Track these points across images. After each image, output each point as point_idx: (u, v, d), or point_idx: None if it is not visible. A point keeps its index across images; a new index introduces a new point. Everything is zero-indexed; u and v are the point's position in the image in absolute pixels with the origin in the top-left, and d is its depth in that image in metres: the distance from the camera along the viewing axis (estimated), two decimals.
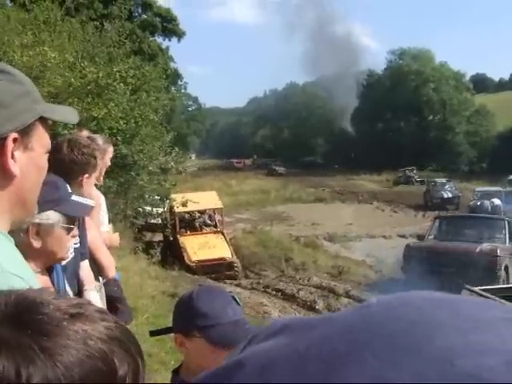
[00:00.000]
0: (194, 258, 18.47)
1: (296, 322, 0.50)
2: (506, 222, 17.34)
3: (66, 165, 3.23)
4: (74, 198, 2.39)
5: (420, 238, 18.54)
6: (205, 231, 20.83)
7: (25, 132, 1.39)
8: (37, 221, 2.18)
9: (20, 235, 2.11)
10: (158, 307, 9.89)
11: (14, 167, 1.38)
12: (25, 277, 1.31)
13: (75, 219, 2.38)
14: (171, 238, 19.96)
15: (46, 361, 0.68)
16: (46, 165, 1.53)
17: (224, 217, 22.62)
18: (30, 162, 1.42)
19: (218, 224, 21.48)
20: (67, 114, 1.68)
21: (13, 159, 1.37)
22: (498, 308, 0.47)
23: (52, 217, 2.23)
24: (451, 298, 0.49)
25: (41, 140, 1.46)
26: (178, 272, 16.58)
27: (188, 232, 20.47)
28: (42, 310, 0.74)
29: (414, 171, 57.75)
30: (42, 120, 1.46)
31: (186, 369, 2.13)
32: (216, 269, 18.12)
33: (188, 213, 21.06)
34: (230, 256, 18.94)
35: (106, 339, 0.75)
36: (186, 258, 18.58)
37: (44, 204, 2.16)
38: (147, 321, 8.08)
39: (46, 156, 1.51)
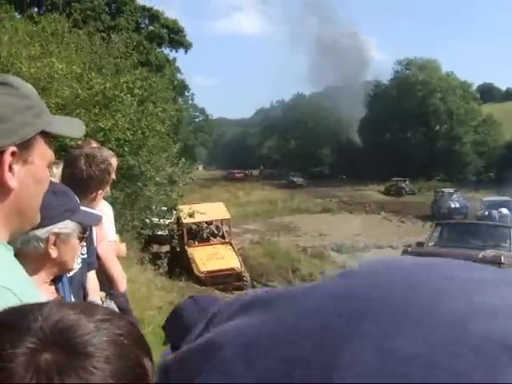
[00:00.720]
0: (203, 268, 18.39)
1: (269, 296, 0.46)
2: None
3: (83, 180, 3.23)
4: (83, 208, 2.39)
5: (420, 245, 17.65)
6: (213, 242, 20.72)
7: (24, 146, 1.39)
8: (56, 230, 2.17)
9: (37, 244, 2.12)
10: (164, 318, 9.84)
11: (11, 181, 1.38)
12: (16, 290, 1.30)
13: (86, 229, 2.39)
14: (178, 249, 19.92)
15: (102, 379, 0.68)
16: (47, 177, 1.53)
17: (231, 227, 22.60)
18: (30, 175, 1.43)
19: (225, 235, 21.42)
20: (72, 126, 1.68)
21: (10, 172, 1.37)
22: (485, 269, 0.45)
23: (70, 226, 2.23)
24: (437, 261, 0.47)
25: (42, 153, 1.46)
26: (184, 283, 16.55)
27: (196, 243, 20.35)
28: (78, 333, 0.72)
29: (406, 182, 58.37)
30: (45, 133, 1.46)
31: None
32: (225, 279, 18.12)
33: (195, 224, 21.03)
34: (239, 266, 18.92)
35: (116, 339, 0.73)
36: (194, 269, 18.48)
37: (63, 213, 2.20)
38: (154, 331, 8.04)
39: (47, 168, 1.51)
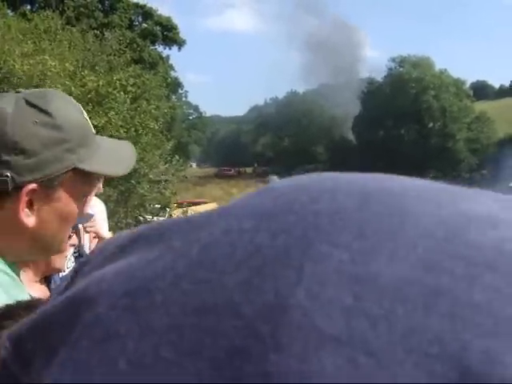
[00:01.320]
0: None
1: (158, 227, 0.31)
2: None
3: None
4: None
5: None
6: None
7: (49, 183, 1.28)
8: None
9: None
10: None
11: (28, 219, 1.27)
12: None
13: (73, 228, 2.35)
14: None
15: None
16: (75, 211, 1.40)
17: None
18: (54, 212, 1.32)
19: None
20: (117, 160, 1.51)
21: (30, 209, 1.27)
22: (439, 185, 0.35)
23: None
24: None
25: (72, 190, 1.34)
26: None
27: None
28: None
29: None
30: (79, 170, 1.32)
31: None
32: None
33: None
34: None
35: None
36: None
37: None
38: None
39: (79, 203, 1.40)
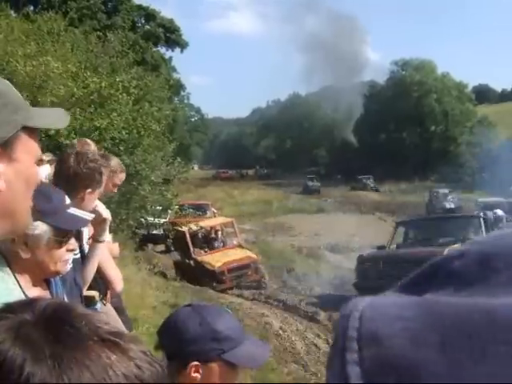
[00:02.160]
0: (218, 264, 17.56)
1: None
2: (482, 220, 14.80)
3: (69, 177, 3.19)
4: (71, 210, 2.35)
5: (380, 248, 15.58)
6: (222, 248, 19.64)
7: (6, 144, 1.34)
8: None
9: (1, 244, 2.09)
10: (159, 318, 9.84)
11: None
12: None
13: (68, 232, 2.33)
14: (185, 259, 19.06)
15: (52, 369, 0.68)
16: (35, 173, 1.48)
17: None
18: (17, 173, 1.37)
19: (232, 238, 20.59)
20: (55, 117, 1.61)
21: None
22: None
23: (39, 228, 2.18)
24: None
25: (27, 149, 1.40)
26: (179, 283, 16.55)
27: (203, 251, 19.38)
28: (72, 323, 0.74)
29: (370, 179, 60.97)
30: (28, 128, 1.40)
31: None
32: (242, 271, 17.52)
33: (198, 230, 20.38)
34: (256, 257, 18.44)
35: (130, 377, 0.72)
36: (208, 269, 17.63)
37: (32, 214, 2.14)
38: (148, 331, 8.06)
39: (35, 165, 1.46)
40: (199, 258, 18.51)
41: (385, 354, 0.32)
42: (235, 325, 2.01)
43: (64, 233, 2.27)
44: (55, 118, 1.61)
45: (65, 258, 2.31)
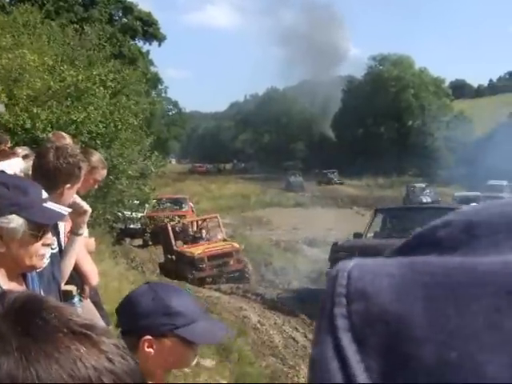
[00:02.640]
0: (197, 251, 17.31)
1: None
2: None
3: (49, 172, 3.16)
4: (48, 204, 2.32)
5: (358, 236, 15.18)
6: (207, 242, 19.15)
7: None
8: None
9: None
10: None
11: None
12: None
13: (45, 227, 2.30)
14: (169, 256, 18.66)
15: (19, 360, 0.68)
16: None
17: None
18: None
19: (220, 234, 19.90)
20: None
21: None
22: None
23: (15, 221, 2.16)
24: None
25: None
26: (158, 277, 16.51)
27: (185, 245, 18.90)
28: (42, 315, 0.73)
29: (335, 173, 62.35)
30: None
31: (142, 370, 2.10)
32: (224, 260, 17.09)
33: (177, 225, 20.35)
34: (239, 247, 18.05)
35: (100, 369, 0.71)
36: (188, 257, 17.30)
37: (7, 207, 2.13)
38: None
39: None
40: (180, 249, 18.23)
41: (372, 308, 0.33)
42: (190, 303, 2.04)
43: (40, 227, 2.24)
44: None
45: (41, 252, 2.29)
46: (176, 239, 18.70)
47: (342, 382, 0.31)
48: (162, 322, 1.94)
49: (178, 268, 17.28)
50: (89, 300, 3.96)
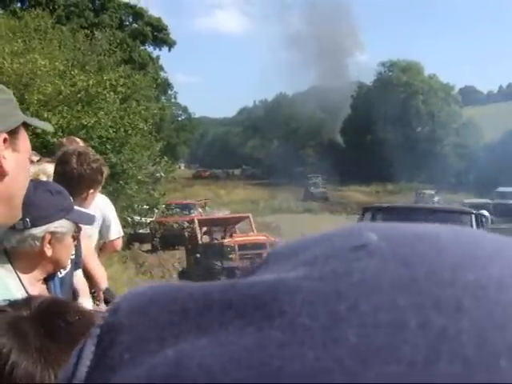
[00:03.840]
0: (227, 239, 16.52)
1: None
2: (473, 216, 12.91)
3: (74, 178, 3.20)
4: (77, 208, 2.40)
5: None
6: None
7: (12, 134, 1.44)
8: (52, 229, 2.18)
9: (33, 243, 2.14)
10: None
11: (6, 165, 1.42)
12: None
13: (80, 228, 2.40)
14: (191, 256, 17.56)
15: (38, 361, 0.68)
16: (28, 167, 1.60)
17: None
18: (18, 163, 1.47)
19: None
20: (45, 125, 1.75)
21: (3, 158, 1.42)
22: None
23: (65, 225, 2.24)
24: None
25: (25, 143, 1.50)
26: (167, 281, 16.51)
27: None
28: (65, 318, 0.73)
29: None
30: (24, 126, 1.51)
31: None
32: (258, 252, 15.06)
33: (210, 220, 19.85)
34: (273, 239, 16.71)
35: None
36: (215, 245, 16.59)
37: (58, 213, 2.21)
38: None
39: (28, 159, 1.58)
40: (206, 242, 17.36)
41: (113, 319, 0.35)
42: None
43: (78, 228, 2.34)
44: (45, 125, 1.72)
45: (72, 252, 2.39)
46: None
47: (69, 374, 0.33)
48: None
49: (203, 263, 16.14)
50: (103, 304, 3.98)
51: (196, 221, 17.93)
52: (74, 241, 2.35)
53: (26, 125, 1.52)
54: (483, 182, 53.48)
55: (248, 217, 19.34)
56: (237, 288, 0.31)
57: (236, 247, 15.51)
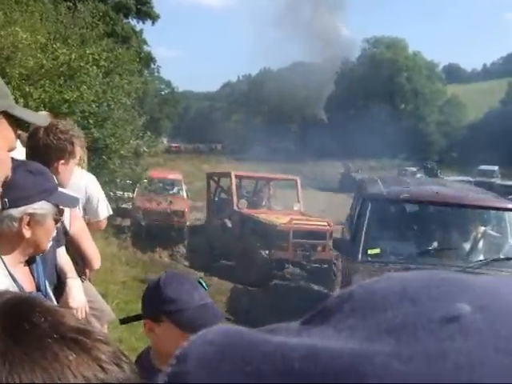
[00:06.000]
0: (280, 221, 13.54)
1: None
2: None
3: (40, 149, 3.18)
4: (62, 190, 2.38)
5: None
6: (280, 211, 15.81)
7: None
8: (31, 211, 2.16)
9: (10, 224, 2.13)
10: (129, 293, 9.86)
11: None
12: None
13: (63, 210, 2.37)
14: (220, 221, 15.63)
15: (1, 365, 0.65)
16: (8, 160, 1.53)
17: (196, 201, 22.21)
18: None
19: (296, 205, 15.99)
20: (37, 117, 1.67)
21: None
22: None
23: (45, 207, 2.21)
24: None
25: (4, 135, 1.45)
26: (149, 257, 16.50)
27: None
28: (31, 319, 0.70)
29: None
30: (7, 116, 1.44)
31: (156, 354, 2.22)
32: (315, 243, 13.12)
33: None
34: (331, 227, 13.38)
35: (90, 378, 0.67)
36: (263, 224, 13.58)
37: (39, 194, 2.18)
38: (117, 307, 8.05)
39: (7, 152, 1.52)
40: (246, 212, 14.70)
41: (180, 370, 0.36)
42: (187, 291, 2.16)
43: (61, 211, 2.31)
44: (37, 117, 1.66)
45: (53, 235, 2.36)
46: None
47: None
48: (155, 307, 2.13)
49: (239, 244, 13.94)
50: (88, 282, 4.01)
51: (233, 175, 15.47)
52: (55, 224, 2.33)
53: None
54: (466, 159, 53.81)
55: (295, 180, 16.39)
56: (319, 358, 0.29)
57: (291, 234, 12.61)
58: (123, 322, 2.49)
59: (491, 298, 0.32)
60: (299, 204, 14.89)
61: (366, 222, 7.31)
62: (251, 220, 13.99)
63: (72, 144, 3.33)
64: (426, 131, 70.62)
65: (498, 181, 37.77)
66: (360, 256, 6.95)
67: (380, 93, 70.35)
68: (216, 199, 16.98)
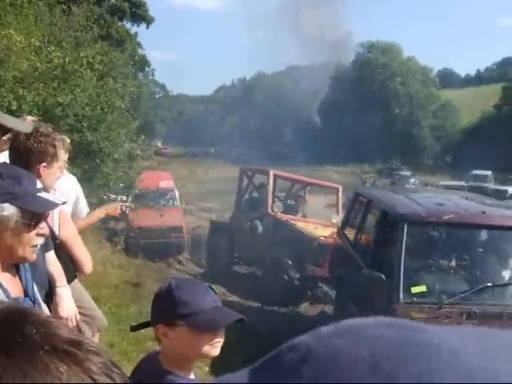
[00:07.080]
0: (320, 234, 12.33)
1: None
2: None
3: (20, 153, 3.15)
4: (42, 194, 2.34)
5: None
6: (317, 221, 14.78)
7: None
8: None
9: None
10: (121, 297, 9.83)
11: None
12: None
13: (39, 216, 2.31)
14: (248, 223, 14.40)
15: None
16: None
17: (189, 205, 22.08)
18: None
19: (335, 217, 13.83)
20: (20, 124, 1.66)
21: None
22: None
23: (7, 209, 2.17)
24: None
25: None
26: (141, 261, 16.45)
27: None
28: (22, 330, 0.70)
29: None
30: None
31: (167, 359, 2.21)
32: None
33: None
34: None
35: None
36: (300, 234, 12.30)
37: (0, 196, 2.15)
38: (109, 311, 8.01)
39: None
40: (281, 217, 13.46)
41: None
42: (199, 294, 2.20)
43: (33, 216, 2.26)
44: (20, 124, 1.64)
45: (34, 242, 2.30)
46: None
47: None
48: (168, 311, 2.15)
49: (272, 246, 12.72)
50: (80, 285, 4.01)
51: (271, 173, 14.45)
52: (29, 230, 2.27)
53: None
54: (459, 164, 53.89)
55: (337, 189, 15.46)
56: None
57: (329, 250, 10.45)
58: (133, 329, 2.53)
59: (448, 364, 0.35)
60: (338, 216, 12.84)
61: (403, 251, 5.92)
62: (287, 228, 12.77)
63: (54, 147, 3.29)
64: (420, 136, 70.76)
65: (491, 185, 37.87)
66: (401, 296, 5.70)
67: (374, 97, 70.42)
68: (247, 197, 16.04)
